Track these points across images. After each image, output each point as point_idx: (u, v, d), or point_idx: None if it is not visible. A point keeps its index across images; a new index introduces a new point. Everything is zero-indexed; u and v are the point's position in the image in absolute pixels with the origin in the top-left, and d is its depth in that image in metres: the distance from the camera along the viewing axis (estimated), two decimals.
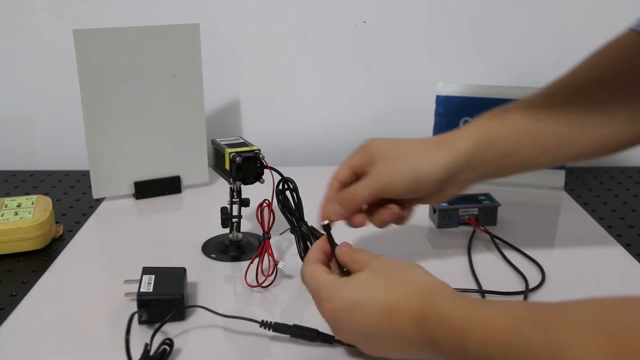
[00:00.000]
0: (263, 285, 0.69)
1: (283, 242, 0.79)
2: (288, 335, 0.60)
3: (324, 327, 0.58)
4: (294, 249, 0.69)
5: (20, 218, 0.78)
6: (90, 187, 0.92)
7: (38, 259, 0.77)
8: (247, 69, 1.11)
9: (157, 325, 0.60)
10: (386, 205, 0.65)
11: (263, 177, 0.75)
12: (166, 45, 0.90)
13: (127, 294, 0.64)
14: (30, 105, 1.11)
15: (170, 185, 0.96)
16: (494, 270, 0.74)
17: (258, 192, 0.73)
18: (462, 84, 1.00)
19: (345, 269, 0.59)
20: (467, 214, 0.84)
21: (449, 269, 0.74)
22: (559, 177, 0.99)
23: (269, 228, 0.71)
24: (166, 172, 0.96)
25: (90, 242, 0.83)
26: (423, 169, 0.63)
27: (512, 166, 0.66)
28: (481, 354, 0.43)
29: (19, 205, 0.81)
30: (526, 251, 0.78)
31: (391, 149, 0.64)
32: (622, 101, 0.66)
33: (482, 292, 0.69)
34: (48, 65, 1.08)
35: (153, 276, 0.64)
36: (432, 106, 1.01)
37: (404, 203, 0.66)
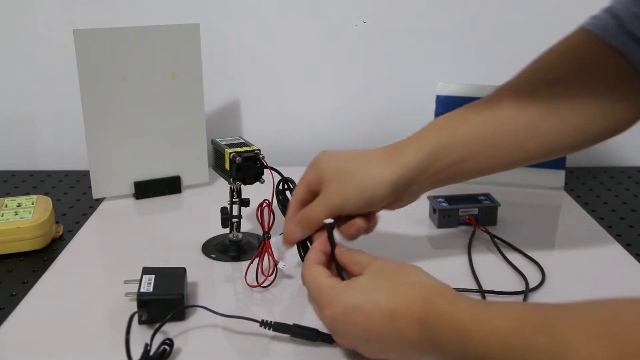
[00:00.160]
0: (263, 285, 0.69)
1: None
2: (288, 335, 0.60)
3: (323, 327, 0.58)
4: (294, 249, 0.69)
5: (20, 218, 0.78)
6: (90, 187, 0.92)
7: (38, 259, 0.77)
8: (247, 69, 1.11)
9: (157, 325, 0.60)
10: (351, 221, 0.64)
11: (263, 177, 0.75)
12: (166, 45, 0.90)
13: (127, 294, 0.64)
14: (30, 105, 1.11)
15: (170, 185, 0.96)
16: (494, 270, 0.74)
17: (258, 192, 0.73)
18: (462, 84, 1.00)
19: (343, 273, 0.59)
20: (467, 214, 0.84)
21: (449, 269, 0.74)
22: (559, 177, 0.99)
23: (269, 228, 0.71)
24: (166, 172, 0.96)
25: (90, 242, 0.83)
26: (371, 187, 0.63)
27: (463, 173, 0.66)
28: (482, 354, 0.43)
29: (19, 205, 0.81)
30: (526, 251, 0.77)
31: (339, 166, 0.64)
32: (572, 103, 0.65)
33: (482, 292, 0.69)
34: (48, 65, 1.08)
35: (153, 276, 0.64)
36: (432, 106, 1.01)
37: (367, 214, 0.66)
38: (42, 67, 1.09)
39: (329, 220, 0.60)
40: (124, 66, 0.88)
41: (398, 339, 0.51)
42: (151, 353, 0.56)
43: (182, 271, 0.67)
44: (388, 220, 0.70)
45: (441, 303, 0.49)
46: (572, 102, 0.65)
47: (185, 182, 0.97)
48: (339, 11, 1.08)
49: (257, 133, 1.14)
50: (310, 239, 0.67)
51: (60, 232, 0.83)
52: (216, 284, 0.72)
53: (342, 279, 0.58)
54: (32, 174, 1.06)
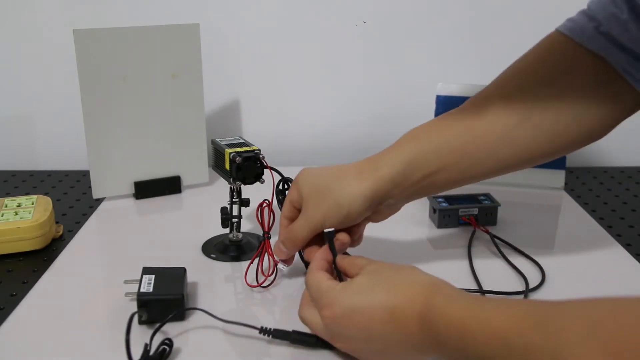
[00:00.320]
0: (263, 285, 0.69)
1: None
2: None
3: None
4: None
5: (20, 218, 0.78)
6: (90, 187, 0.92)
7: (38, 259, 0.77)
8: (247, 69, 1.11)
9: (157, 325, 0.60)
10: (335, 237, 0.65)
11: (263, 177, 0.74)
12: (166, 45, 0.90)
13: (127, 294, 0.64)
14: (30, 105, 1.11)
15: (170, 185, 0.96)
16: (494, 270, 0.74)
17: (258, 192, 0.73)
18: (462, 84, 1.00)
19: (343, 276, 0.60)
20: (467, 214, 0.84)
21: (449, 269, 0.74)
22: (559, 177, 0.99)
23: (269, 228, 0.71)
24: (166, 172, 0.96)
25: (90, 242, 0.83)
26: (348, 202, 0.63)
27: (439, 184, 0.66)
28: (482, 353, 0.43)
29: (19, 205, 0.81)
30: (526, 251, 0.77)
31: (317, 183, 0.65)
32: (546, 109, 0.65)
33: (483, 292, 0.69)
34: (48, 65, 1.08)
35: (153, 276, 0.64)
36: (432, 106, 1.01)
37: (351, 228, 0.66)
38: (42, 67, 1.09)
39: (329, 229, 0.63)
40: (124, 66, 0.88)
41: (400, 336, 0.51)
42: (151, 353, 0.56)
43: (182, 271, 0.67)
44: (388, 221, 0.70)
45: (440, 301, 0.49)
46: (546, 108, 0.65)
47: (185, 182, 0.97)
48: (339, 11, 1.08)
49: (257, 133, 1.14)
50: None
51: (60, 232, 0.83)
52: (216, 284, 0.72)
53: (343, 280, 0.59)
54: (32, 174, 1.06)
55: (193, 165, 0.97)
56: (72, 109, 0.95)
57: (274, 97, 1.13)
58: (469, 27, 1.09)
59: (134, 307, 0.61)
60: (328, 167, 0.67)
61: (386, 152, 0.66)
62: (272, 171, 0.73)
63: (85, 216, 0.89)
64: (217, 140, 0.77)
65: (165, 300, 0.62)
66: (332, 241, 0.62)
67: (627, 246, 0.80)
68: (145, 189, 0.94)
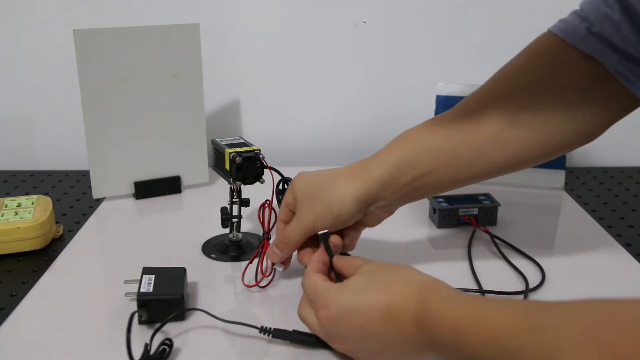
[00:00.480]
0: (260, 285, 0.69)
1: None
2: None
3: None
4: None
5: (20, 218, 0.78)
6: (90, 187, 0.92)
7: (38, 259, 0.77)
8: (247, 69, 1.11)
9: (157, 325, 0.60)
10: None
11: (263, 177, 0.74)
12: (166, 45, 0.90)
13: (127, 294, 0.64)
14: (30, 105, 1.11)
15: (170, 185, 0.96)
16: (494, 270, 0.74)
17: (258, 192, 0.73)
18: (462, 84, 1.00)
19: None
20: (467, 214, 0.84)
21: (449, 269, 0.74)
22: (559, 177, 0.99)
23: (270, 229, 0.71)
24: (166, 172, 0.96)
25: (90, 242, 0.83)
26: (338, 204, 0.64)
27: (430, 186, 0.66)
28: (478, 354, 0.43)
29: (19, 205, 0.81)
30: (526, 251, 0.77)
31: (310, 186, 0.66)
32: (537, 110, 0.64)
33: (483, 292, 0.69)
34: (48, 65, 1.08)
35: (153, 276, 0.64)
36: (432, 106, 1.01)
37: (345, 230, 0.67)
38: (42, 67, 1.09)
39: (323, 231, 0.63)
40: (124, 66, 0.88)
41: (396, 336, 0.50)
42: (151, 353, 0.56)
43: (182, 271, 0.67)
44: (388, 221, 0.70)
45: (436, 300, 0.49)
46: (537, 109, 0.64)
47: (185, 182, 0.97)
48: (339, 11, 1.08)
49: (257, 133, 1.14)
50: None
51: (60, 232, 0.83)
52: (216, 284, 0.72)
53: (340, 281, 0.59)
54: (32, 174, 1.06)
55: (193, 165, 0.97)
56: (72, 109, 0.95)
57: (274, 97, 1.13)
58: (469, 27, 1.09)
59: (134, 307, 0.61)
60: (322, 170, 0.68)
61: (377, 155, 0.67)
62: (271, 171, 0.73)
63: (85, 216, 0.89)
64: (217, 140, 0.77)
65: (165, 300, 0.62)
66: (328, 242, 0.63)
67: (627, 246, 0.80)
68: (145, 189, 0.94)
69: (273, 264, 0.69)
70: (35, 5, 1.05)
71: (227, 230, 0.78)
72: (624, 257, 0.78)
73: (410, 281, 0.52)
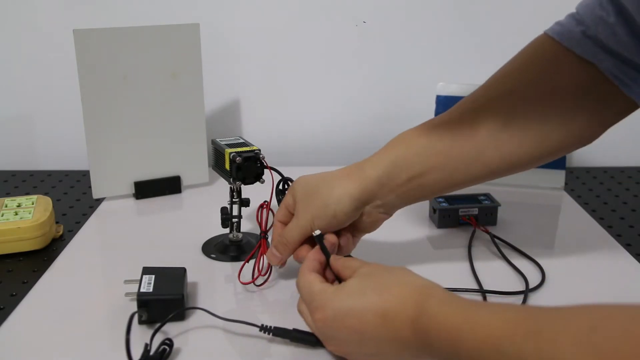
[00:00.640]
0: (256, 283, 0.69)
1: None
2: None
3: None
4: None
5: (20, 218, 0.78)
6: (90, 187, 0.92)
7: (38, 259, 0.77)
8: (247, 69, 1.11)
9: (157, 325, 0.60)
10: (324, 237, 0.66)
11: (263, 177, 0.74)
12: (166, 45, 0.90)
13: (127, 294, 0.64)
14: (30, 105, 1.11)
15: (170, 185, 0.96)
16: (494, 271, 0.74)
17: (258, 192, 0.73)
18: (462, 84, 1.00)
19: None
20: (467, 214, 0.84)
21: (449, 269, 0.74)
22: (559, 177, 0.99)
23: (267, 229, 0.71)
24: (166, 172, 0.96)
25: (90, 242, 0.83)
26: (334, 201, 0.64)
27: (425, 187, 0.66)
28: (474, 358, 0.43)
29: (19, 205, 0.81)
30: (526, 251, 0.77)
31: (308, 188, 0.67)
32: (533, 112, 0.64)
33: (483, 292, 0.69)
34: (48, 65, 1.08)
35: (153, 276, 0.64)
36: (432, 106, 1.01)
37: (342, 232, 0.67)
38: (42, 67, 1.08)
39: (317, 232, 0.63)
40: (124, 66, 0.88)
41: (393, 339, 0.50)
42: (151, 353, 0.56)
43: (182, 271, 0.67)
44: (388, 221, 0.70)
45: (433, 304, 0.49)
46: (533, 111, 0.64)
47: (185, 182, 0.97)
48: (339, 11, 1.08)
49: (257, 133, 1.14)
50: None
51: (60, 232, 0.83)
52: (216, 284, 0.72)
53: (339, 282, 0.59)
54: (32, 174, 1.06)
55: (193, 165, 0.97)
56: (72, 109, 0.95)
57: (274, 97, 1.13)
58: (468, 27, 1.09)
59: (134, 307, 0.61)
60: (321, 173, 0.68)
61: (373, 156, 0.67)
62: (271, 171, 0.73)
63: (85, 216, 0.89)
64: (217, 140, 0.77)
65: (165, 300, 0.62)
66: (323, 243, 0.63)
67: (627, 246, 0.80)
68: (145, 189, 0.94)
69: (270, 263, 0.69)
70: (35, 5, 1.05)
71: (227, 230, 0.78)
72: (624, 257, 0.78)
73: (408, 285, 0.52)
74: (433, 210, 0.86)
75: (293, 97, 1.13)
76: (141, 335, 0.60)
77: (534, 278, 0.72)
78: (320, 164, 1.05)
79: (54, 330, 0.62)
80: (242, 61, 1.10)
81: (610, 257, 0.78)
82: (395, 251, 0.79)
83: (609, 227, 0.86)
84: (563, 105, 0.64)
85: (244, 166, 0.73)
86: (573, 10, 0.66)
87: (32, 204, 0.82)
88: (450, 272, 0.73)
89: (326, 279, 0.59)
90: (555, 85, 0.64)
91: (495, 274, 0.73)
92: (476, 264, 0.75)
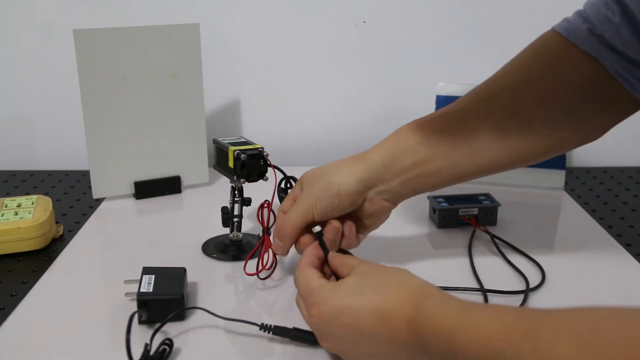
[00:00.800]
0: (260, 276, 0.69)
1: None
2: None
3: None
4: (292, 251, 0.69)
5: (20, 218, 0.78)
6: (90, 187, 0.92)
7: (38, 259, 0.77)
8: (247, 69, 1.11)
9: (157, 325, 0.60)
10: (328, 223, 0.66)
11: (267, 175, 0.74)
12: (166, 45, 0.90)
13: (127, 294, 0.64)
14: (30, 105, 1.11)
15: (170, 185, 0.96)
16: (494, 270, 0.74)
17: (259, 191, 0.73)
18: (462, 84, 1.00)
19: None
20: (467, 214, 0.84)
21: (450, 269, 0.74)
22: (559, 177, 0.99)
23: (269, 226, 0.71)
24: (166, 172, 0.96)
25: (90, 242, 0.83)
26: (337, 182, 0.65)
27: (430, 176, 0.66)
28: None
29: (19, 205, 0.81)
30: (526, 251, 0.77)
31: (315, 174, 0.68)
32: (537, 106, 0.65)
33: (484, 292, 0.69)
34: (48, 65, 1.08)
35: (153, 276, 0.64)
36: (432, 106, 1.01)
37: (346, 220, 0.67)
38: (42, 67, 1.08)
39: (317, 228, 0.64)
40: (124, 66, 0.88)
41: (388, 339, 0.50)
42: (151, 353, 0.56)
43: (182, 271, 0.67)
44: (388, 221, 0.70)
45: (431, 304, 0.49)
46: (538, 103, 0.65)
47: (185, 182, 0.97)
48: (339, 11, 1.08)
49: (256, 133, 1.14)
50: None
51: (60, 232, 0.83)
52: (216, 283, 0.72)
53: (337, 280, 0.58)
54: (32, 174, 1.06)
55: (193, 165, 0.97)
56: (72, 109, 0.95)
57: (274, 97, 1.13)
58: (468, 27, 1.09)
59: (134, 307, 0.61)
60: (328, 164, 0.69)
61: (381, 142, 0.68)
62: (274, 169, 0.73)
63: (85, 216, 0.89)
64: (219, 139, 0.78)
65: (165, 300, 0.62)
66: (322, 238, 0.63)
67: (627, 246, 0.80)
68: (145, 189, 0.94)
69: (275, 254, 0.69)
70: (35, 5, 1.05)
71: (227, 230, 0.77)
72: (624, 257, 0.78)
73: (405, 285, 0.52)
74: (433, 210, 0.86)
75: (293, 97, 1.13)
76: (141, 335, 0.60)
77: (534, 278, 0.72)
78: (320, 164, 1.04)
79: (54, 330, 0.62)
80: (242, 61, 1.10)
81: (610, 257, 0.78)
82: (395, 251, 0.79)
83: (609, 227, 0.86)
84: (567, 100, 0.65)
85: (248, 163, 0.73)
86: (573, 10, 0.66)
87: (32, 204, 0.82)
88: (450, 272, 0.73)
89: (324, 275, 0.59)
90: (560, 80, 0.65)
91: (496, 273, 0.73)
92: (476, 264, 0.75)
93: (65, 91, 1.01)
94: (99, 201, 0.93)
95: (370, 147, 0.68)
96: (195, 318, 0.63)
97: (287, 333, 0.59)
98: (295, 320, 0.60)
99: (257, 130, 1.14)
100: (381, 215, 0.69)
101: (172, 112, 0.93)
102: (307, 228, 0.66)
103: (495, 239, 0.80)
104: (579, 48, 0.63)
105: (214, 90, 1.07)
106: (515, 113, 0.65)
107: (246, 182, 0.74)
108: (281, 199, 0.73)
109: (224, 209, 0.76)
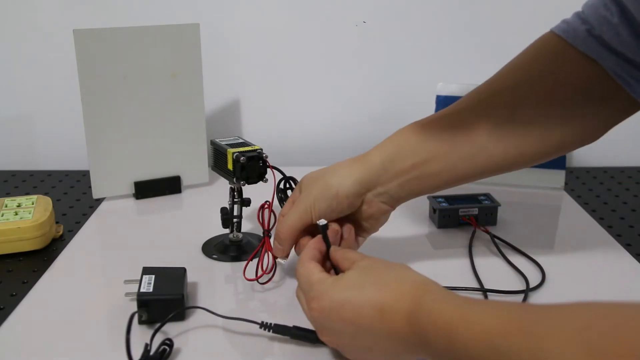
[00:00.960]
0: (260, 281, 0.69)
1: None
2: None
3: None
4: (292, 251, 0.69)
5: (20, 218, 0.78)
6: (90, 187, 0.92)
7: (38, 259, 0.77)
8: (247, 69, 1.11)
9: (157, 325, 0.60)
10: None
11: (266, 176, 0.74)
12: (166, 45, 0.90)
13: (127, 294, 0.64)
14: (30, 105, 1.11)
15: (170, 185, 0.96)
16: (494, 270, 0.74)
17: (259, 192, 0.73)
18: (462, 84, 1.00)
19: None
20: (467, 214, 0.84)
21: (450, 269, 0.74)
22: (559, 177, 0.99)
23: (270, 227, 0.71)
24: (166, 172, 0.96)
25: (90, 242, 0.83)
26: (336, 184, 0.65)
27: (429, 177, 0.66)
28: (468, 354, 0.43)
29: (19, 205, 0.81)
30: (526, 251, 0.77)
31: (314, 176, 0.68)
32: (537, 107, 0.65)
33: (484, 292, 0.69)
34: (48, 65, 1.08)
35: (153, 276, 0.64)
36: (432, 106, 1.01)
37: (345, 223, 0.67)
38: (42, 67, 1.08)
39: (322, 221, 0.63)
40: (124, 66, 0.88)
41: (388, 334, 0.50)
42: (151, 353, 0.56)
43: (182, 271, 0.67)
44: (389, 221, 0.70)
45: (430, 299, 0.49)
46: (537, 104, 0.65)
47: (185, 182, 0.97)
48: (339, 11, 1.08)
49: (257, 133, 1.14)
50: None
51: (60, 232, 0.83)
52: (216, 284, 0.72)
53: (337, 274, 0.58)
54: (32, 174, 1.06)
55: (193, 165, 0.97)
56: (72, 109, 0.95)
57: (274, 97, 1.13)
58: (468, 27, 1.09)
59: (134, 307, 0.61)
60: (329, 166, 0.69)
61: (380, 143, 0.68)
62: (273, 170, 0.73)
63: (85, 216, 0.89)
64: (217, 140, 0.77)
65: (165, 300, 0.62)
66: (326, 232, 0.62)
67: (627, 246, 0.80)
68: (145, 189, 0.94)
69: (275, 258, 0.69)
70: (35, 5, 1.05)
71: (227, 230, 0.77)
72: (624, 257, 0.78)
73: (405, 280, 0.52)
74: (433, 210, 0.86)
75: (293, 97, 1.13)
76: (141, 335, 0.60)
77: (534, 278, 0.72)
78: (320, 164, 1.04)
79: (54, 330, 0.62)
80: (242, 61, 1.10)
81: (610, 257, 0.78)
82: (395, 251, 0.79)
83: (609, 227, 0.86)
84: (566, 101, 0.65)
85: (247, 166, 0.73)
86: (573, 10, 0.66)
87: (32, 204, 0.82)
88: (450, 272, 0.73)
89: (325, 269, 0.59)
90: (559, 82, 0.65)
91: (496, 273, 0.73)
92: (476, 264, 0.75)
93: (65, 91, 1.01)
94: (99, 201, 0.93)
95: (370, 148, 0.68)
96: (195, 318, 0.64)
97: (287, 331, 0.59)
98: (296, 318, 0.60)
99: (257, 130, 1.14)
100: (380, 218, 0.69)
101: (172, 112, 0.93)
102: (307, 230, 0.66)
103: (495, 239, 0.80)
104: (578, 50, 0.63)
105: (214, 90, 1.07)
106: (514, 116, 0.65)
107: (245, 185, 0.74)
108: (280, 200, 0.73)
109: (223, 209, 0.76)
